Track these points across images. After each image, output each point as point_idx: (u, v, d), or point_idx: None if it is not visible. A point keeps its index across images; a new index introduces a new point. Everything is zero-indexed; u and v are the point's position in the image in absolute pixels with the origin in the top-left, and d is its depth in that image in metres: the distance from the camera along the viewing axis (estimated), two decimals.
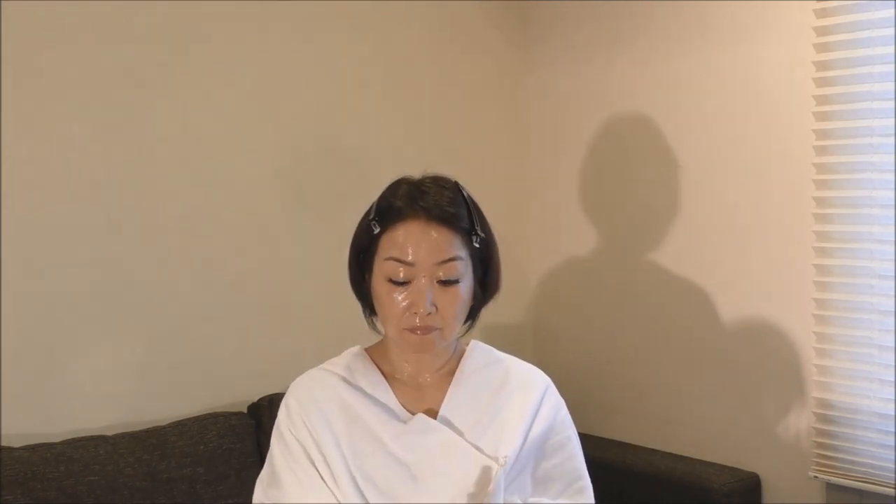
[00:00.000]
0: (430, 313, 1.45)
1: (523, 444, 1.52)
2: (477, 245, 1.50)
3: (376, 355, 1.60)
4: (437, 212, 1.46)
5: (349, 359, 1.59)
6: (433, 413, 1.53)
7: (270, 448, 1.55)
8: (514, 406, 1.55)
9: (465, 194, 1.52)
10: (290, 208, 2.59)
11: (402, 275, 1.45)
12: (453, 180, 1.54)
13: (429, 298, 1.45)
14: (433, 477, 1.47)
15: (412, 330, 1.46)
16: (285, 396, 1.57)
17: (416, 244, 1.45)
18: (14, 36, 2.13)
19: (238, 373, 2.50)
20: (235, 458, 2.27)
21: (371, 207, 1.52)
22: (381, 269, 1.48)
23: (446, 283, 1.46)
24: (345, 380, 1.55)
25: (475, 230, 1.50)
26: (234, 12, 2.47)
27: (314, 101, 2.63)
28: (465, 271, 1.49)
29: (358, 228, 1.55)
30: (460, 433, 1.51)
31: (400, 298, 1.46)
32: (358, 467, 1.48)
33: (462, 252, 1.48)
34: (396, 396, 1.54)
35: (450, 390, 1.55)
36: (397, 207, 1.48)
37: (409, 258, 1.45)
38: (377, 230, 1.48)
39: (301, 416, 1.52)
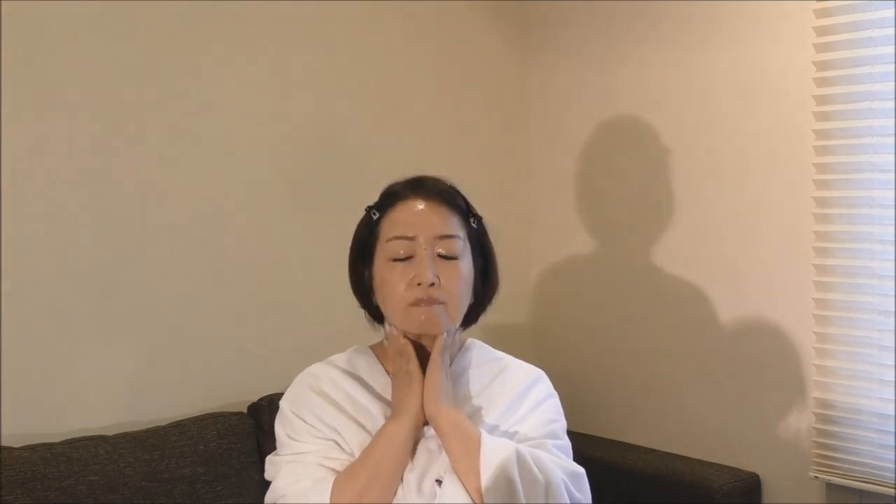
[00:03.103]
0: (433, 283, 1.47)
1: (504, 413, 1.57)
2: (474, 226, 1.55)
3: (379, 352, 1.64)
4: (435, 191, 1.53)
5: (351, 354, 1.64)
6: None
7: (277, 436, 1.58)
8: (504, 391, 1.60)
9: (461, 192, 1.59)
10: (291, 208, 2.59)
11: (402, 251, 1.49)
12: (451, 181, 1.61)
13: (431, 268, 1.47)
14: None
15: (417, 303, 1.48)
16: (288, 390, 1.59)
17: (415, 219, 1.50)
18: (14, 36, 2.13)
19: (238, 373, 2.50)
20: (235, 458, 2.27)
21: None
22: (384, 252, 1.51)
23: (447, 258, 1.50)
24: (347, 372, 1.59)
25: (472, 212, 1.56)
26: (237, 13, 2.46)
27: (315, 102, 2.63)
28: (464, 252, 1.53)
29: (357, 227, 1.59)
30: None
31: (403, 273, 1.48)
32: (359, 443, 1.52)
33: (460, 233, 1.53)
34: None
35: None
36: (396, 191, 1.54)
37: (410, 233, 1.49)
38: (377, 216, 1.53)
39: (306, 402, 1.56)
